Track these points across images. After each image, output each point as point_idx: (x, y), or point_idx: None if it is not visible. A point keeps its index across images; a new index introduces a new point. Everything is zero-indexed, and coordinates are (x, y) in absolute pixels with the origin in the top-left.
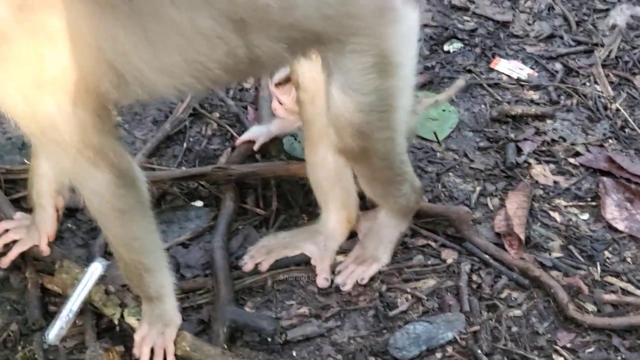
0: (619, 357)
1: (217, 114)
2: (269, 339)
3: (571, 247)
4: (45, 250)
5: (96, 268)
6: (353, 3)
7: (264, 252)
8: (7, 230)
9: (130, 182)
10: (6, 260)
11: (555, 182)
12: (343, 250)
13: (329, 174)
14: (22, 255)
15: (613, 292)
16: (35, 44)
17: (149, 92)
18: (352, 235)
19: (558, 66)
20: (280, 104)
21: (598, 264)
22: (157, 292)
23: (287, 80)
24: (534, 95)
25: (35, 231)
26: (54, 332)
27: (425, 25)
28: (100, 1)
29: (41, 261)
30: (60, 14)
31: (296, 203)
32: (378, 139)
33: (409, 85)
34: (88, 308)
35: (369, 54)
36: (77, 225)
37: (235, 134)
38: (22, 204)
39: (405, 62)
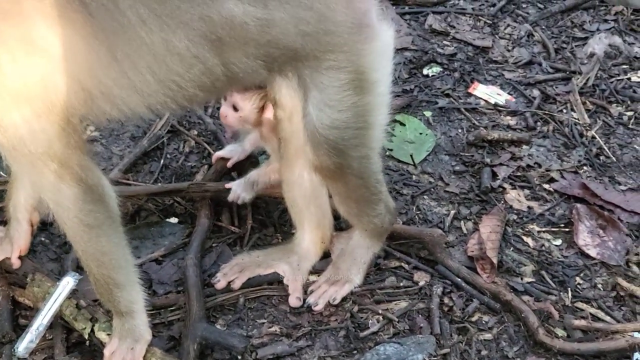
0: None
1: (194, 132)
2: (239, 357)
3: (543, 272)
4: (16, 263)
5: (68, 282)
6: (330, 20)
7: (237, 270)
8: None
9: (98, 197)
10: None
11: (529, 207)
12: (316, 270)
13: (304, 192)
14: None
15: (583, 317)
16: (2, 56)
17: (118, 110)
18: (326, 256)
19: (536, 92)
20: (236, 110)
21: (569, 289)
22: (127, 308)
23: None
24: (511, 120)
25: (8, 244)
26: (24, 345)
27: (405, 49)
28: (62, 17)
29: (13, 274)
30: (21, 24)
31: (271, 222)
32: (353, 156)
33: (385, 103)
34: (58, 322)
35: (345, 70)
36: (50, 239)
37: (212, 152)
38: None
39: (381, 79)
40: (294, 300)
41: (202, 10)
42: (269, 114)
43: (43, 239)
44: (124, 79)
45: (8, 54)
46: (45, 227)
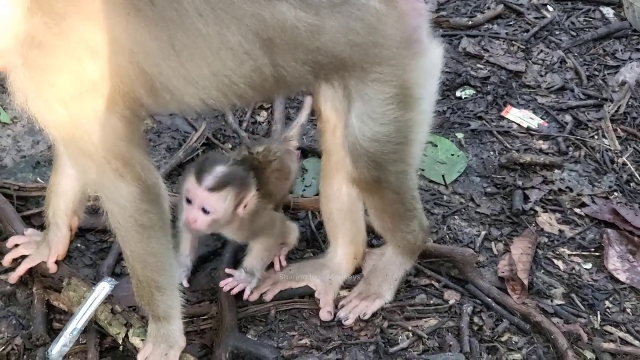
0: None
1: (229, 145)
2: None
3: (573, 295)
4: (52, 267)
5: (104, 287)
6: (380, 33)
7: (269, 282)
8: (17, 246)
9: (155, 198)
10: (15, 276)
11: (560, 231)
12: (347, 286)
13: (342, 207)
14: (30, 271)
15: (612, 341)
16: (72, 52)
17: (177, 101)
18: (357, 272)
19: (568, 118)
20: (206, 213)
21: (599, 313)
22: (165, 312)
23: (223, 185)
24: (543, 145)
25: (46, 248)
26: (58, 349)
27: None
28: (127, 5)
29: (49, 278)
30: (93, 20)
31: (304, 235)
32: (392, 171)
33: (427, 121)
34: (93, 327)
35: (391, 84)
36: (86, 246)
37: None
38: (33, 222)
39: (426, 97)
40: (325, 314)
41: (255, 9)
42: (241, 209)
43: (79, 245)
44: (182, 70)
45: (85, 48)
46: (82, 234)
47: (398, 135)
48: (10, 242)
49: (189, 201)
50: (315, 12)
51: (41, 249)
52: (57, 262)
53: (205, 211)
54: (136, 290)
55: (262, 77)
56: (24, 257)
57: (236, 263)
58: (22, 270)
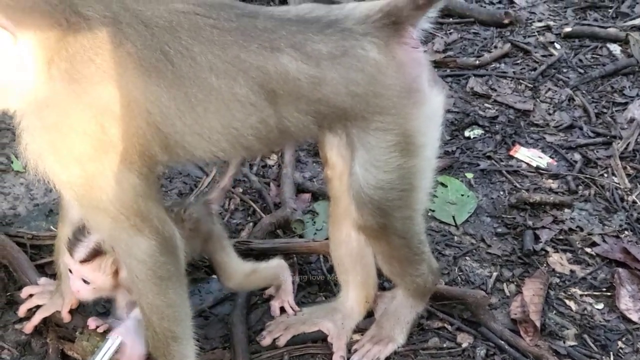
0: None
1: (240, 189)
2: None
3: (585, 336)
4: (66, 317)
5: (117, 337)
6: (380, 83)
7: (282, 327)
8: (31, 295)
9: (172, 250)
10: (29, 326)
11: (571, 270)
12: (360, 329)
13: (351, 252)
14: (45, 320)
15: None
16: (92, 113)
17: (189, 155)
18: (369, 314)
19: (577, 156)
20: (87, 283)
21: (611, 353)
22: None
23: (95, 254)
24: (553, 184)
25: (59, 298)
26: None
27: (447, 111)
28: (147, 66)
29: (63, 327)
30: (111, 81)
31: (316, 280)
32: (397, 217)
33: (431, 167)
34: None
35: (393, 132)
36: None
37: (257, 209)
38: (47, 270)
39: (428, 143)
40: (338, 359)
41: (259, 61)
42: (123, 272)
43: None
44: (196, 125)
45: (104, 109)
46: None
47: (402, 182)
48: (25, 292)
49: (70, 271)
50: (315, 63)
51: (54, 298)
52: (70, 311)
53: (85, 281)
54: (151, 342)
55: (268, 128)
56: (38, 307)
57: (249, 308)
58: (36, 320)
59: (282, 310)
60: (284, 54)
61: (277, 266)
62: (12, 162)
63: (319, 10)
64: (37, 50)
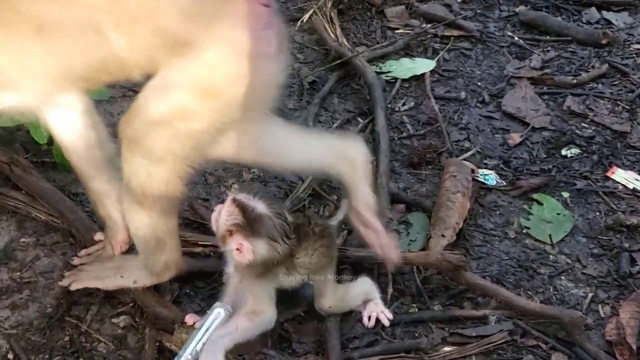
0: None
1: (335, 196)
2: None
3: None
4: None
5: (219, 313)
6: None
7: None
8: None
9: None
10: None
11: None
12: None
13: None
14: (142, 314)
15: None
16: None
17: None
18: None
19: None
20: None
21: None
22: None
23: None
24: None
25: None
26: None
27: (543, 129)
28: None
29: (161, 320)
30: None
31: (408, 291)
32: None
33: None
34: None
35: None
36: (194, 292)
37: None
38: None
39: None
40: None
41: None
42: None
43: (188, 290)
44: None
45: None
46: (190, 279)
47: None
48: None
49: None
50: None
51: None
52: (168, 306)
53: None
54: None
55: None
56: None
57: (343, 315)
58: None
59: (377, 320)
60: None
61: (365, 283)
62: None
63: None
64: None
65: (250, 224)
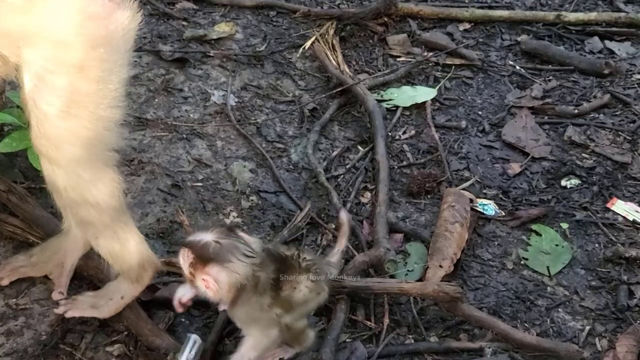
0: None
1: (332, 225)
2: None
3: None
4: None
5: (195, 340)
6: None
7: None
8: None
9: None
10: None
11: None
12: None
13: None
14: (135, 343)
15: None
16: None
17: None
18: None
19: None
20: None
21: None
22: None
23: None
24: None
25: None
26: None
27: (543, 159)
28: None
29: (154, 351)
30: None
31: (405, 322)
32: None
33: None
34: None
35: None
36: (189, 320)
37: (350, 247)
38: None
39: None
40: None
41: None
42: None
43: (183, 319)
44: None
45: None
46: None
47: None
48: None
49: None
50: None
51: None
52: (161, 336)
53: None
54: None
55: None
56: None
57: (338, 346)
58: None
59: None
60: None
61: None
62: None
63: None
64: None
65: (200, 257)
